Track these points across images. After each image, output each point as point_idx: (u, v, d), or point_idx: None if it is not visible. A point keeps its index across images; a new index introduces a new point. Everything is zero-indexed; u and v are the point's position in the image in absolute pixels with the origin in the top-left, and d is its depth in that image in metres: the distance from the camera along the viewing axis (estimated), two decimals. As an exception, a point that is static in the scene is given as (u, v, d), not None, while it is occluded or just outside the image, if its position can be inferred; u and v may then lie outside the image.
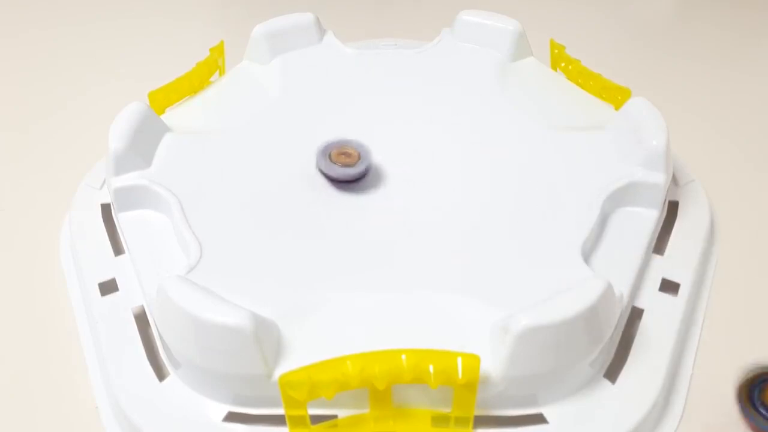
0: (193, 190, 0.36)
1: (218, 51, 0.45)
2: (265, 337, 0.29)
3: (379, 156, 0.38)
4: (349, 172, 0.37)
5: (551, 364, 0.29)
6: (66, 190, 0.41)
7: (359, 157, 0.37)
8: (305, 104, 0.42)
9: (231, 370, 0.29)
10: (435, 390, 0.28)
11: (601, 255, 0.34)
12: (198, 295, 0.29)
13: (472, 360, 0.28)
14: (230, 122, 0.40)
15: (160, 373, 0.32)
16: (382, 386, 0.28)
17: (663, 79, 0.53)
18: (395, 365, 0.28)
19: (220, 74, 0.45)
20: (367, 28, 0.58)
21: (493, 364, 0.29)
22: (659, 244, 0.37)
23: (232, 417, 0.30)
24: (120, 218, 0.36)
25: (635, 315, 0.34)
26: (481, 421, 0.30)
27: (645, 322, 0.34)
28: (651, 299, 0.35)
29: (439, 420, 0.29)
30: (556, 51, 0.45)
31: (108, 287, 0.35)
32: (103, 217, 0.39)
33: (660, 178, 0.36)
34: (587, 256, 0.34)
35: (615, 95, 0.41)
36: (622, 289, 0.33)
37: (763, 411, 0.31)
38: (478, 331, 0.30)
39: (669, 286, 0.35)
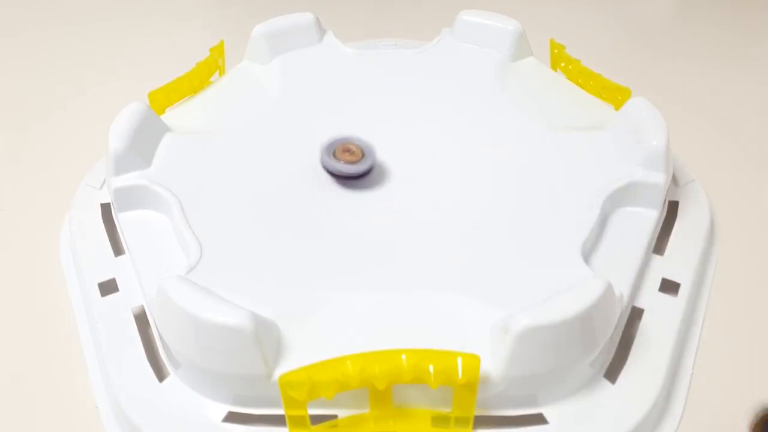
0: (193, 190, 0.36)
1: (218, 51, 0.45)
2: (265, 337, 0.29)
3: (379, 156, 0.38)
4: (353, 169, 0.37)
5: (551, 364, 0.29)
6: (66, 190, 0.41)
7: (363, 155, 0.37)
8: (305, 104, 0.42)
9: (231, 370, 0.29)
10: (435, 390, 0.28)
11: (601, 255, 0.34)
12: (198, 295, 0.29)
13: (472, 360, 0.28)
14: (230, 122, 0.40)
15: (160, 373, 0.32)
16: (382, 386, 0.28)
17: (663, 79, 0.53)
18: (395, 365, 0.28)
19: (220, 74, 0.45)
20: (367, 28, 0.58)
21: (493, 364, 0.29)
22: (659, 244, 0.37)
23: (232, 417, 0.30)
24: (120, 218, 0.36)
25: (635, 315, 0.34)
26: (481, 421, 0.30)
27: (645, 322, 0.34)
28: (651, 299, 0.35)
29: (439, 420, 0.29)
30: (556, 51, 0.45)
31: (108, 287, 0.35)
32: (103, 217, 0.39)
33: (660, 178, 0.36)
34: (587, 256, 0.34)
35: (615, 95, 0.41)
36: (622, 289, 0.33)
37: None
38: (478, 331, 0.30)
39: (669, 286, 0.35)
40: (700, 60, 0.55)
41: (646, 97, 0.39)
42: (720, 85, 0.53)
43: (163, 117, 0.40)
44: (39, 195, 0.43)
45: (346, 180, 0.37)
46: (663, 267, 0.36)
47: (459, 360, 0.28)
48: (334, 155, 0.37)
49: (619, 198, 0.36)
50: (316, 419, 0.29)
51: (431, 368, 0.28)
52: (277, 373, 0.29)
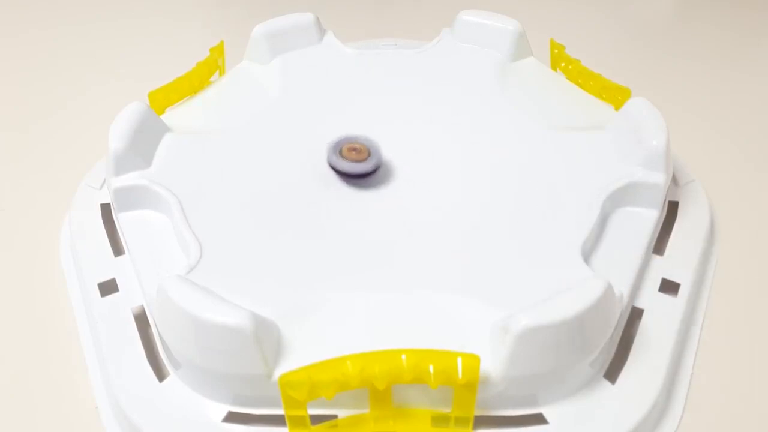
0: (193, 190, 0.36)
1: (218, 51, 0.45)
2: (265, 337, 0.29)
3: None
4: (360, 168, 0.37)
5: (551, 364, 0.29)
6: (66, 190, 0.41)
7: (369, 154, 0.37)
8: (305, 104, 0.42)
9: (231, 370, 0.29)
10: (435, 390, 0.28)
11: (601, 255, 0.34)
12: (198, 295, 0.29)
13: (472, 360, 0.28)
14: (230, 122, 0.40)
15: (160, 374, 0.32)
16: (382, 386, 0.28)
17: (663, 79, 0.53)
18: (395, 365, 0.28)
19: (220, 74, 0.45)
20: (367, 28, 0.58)
21: (493, 364, 0.29)
22: (659, 244, 0.37)
23: (232, 417, 0.30)
24: (120, 218, 0.36)
25: (635, 315, 0.34)
26: (481, 421, 0.30)
27: (645, 322, 0.34)
28: (651, 299, 0.35)
29: (439, 420, 0.29)
30: (556, 51, 0.45)
31: (108, 287, 0.35)
32: (103, 217, 0.39)
33: (660, 178, 0.36)
34: (587, 256, 0.34)
35: (615, 95, 0.41)
36: (622, 289, 0.33)
37: None
38: (478, 331, 0.30)
39: (669, 286, 0.35)
40: (700, 60, 0.55)
41: (646, 97, 0.39)
42: (720, 85, 0.53)
43: (163, 117, 0.40)
44: (39, 195, 0.43)
45: (351, 179, 0.37)
46: (663, 267, 0.36)
47: (459, 360, 0.28)
48: (341, 153, 0.37)
49: (619, 198, 0.36)
50: (316, 419, 0.29)
51: (431, 368, 0.28)
52: (277, 373, 0.29)
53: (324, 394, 0.28)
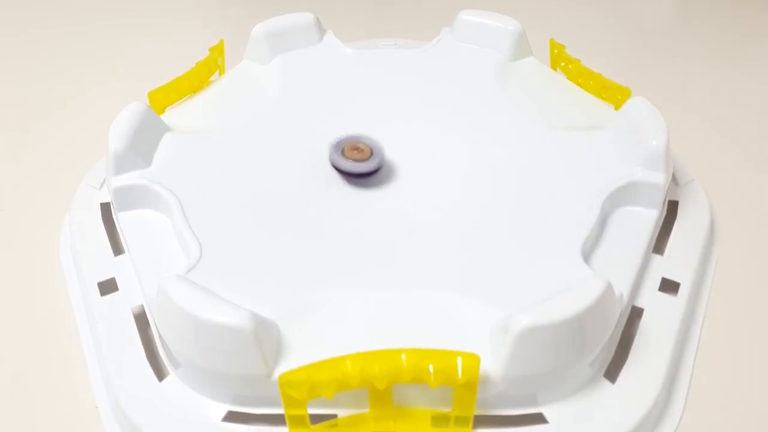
0: (193, 190, 0.36)
1: (218, 51, 0.45)
2: (265, 337, 0.29)
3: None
4: (362, 167, 0.37)
5: (551, 364, 0.29)
6: (66, 190, 0.41)
7: (372, 153, 0.37)
8: (305, 104, 0.42)
9: (231, 370, 0.29)
10: (435, 390, 0.28)
11: (601, 255, 0.34)
12: (198, 295, 0.29)
13: (472, 360, 0.28)
14: (230, 122, 0.40)
15: (160, 373, 0.32)
16: (382, 386, 0.28)
17: (663, 79, 0.53)
18: (395, 365, 0.28)
19: (220, 74, 0.45)
20: (367, 28, 0.58)
21: (493, 364, 0.29)
22: (659, 244, 0.37)
23: (231, 417, 0.30)
24: (120, 218, 0.36)
25: (635, 315, 0.34)
26: (481, 420, 0.30)
27: (645, 322, 0.34)
28: (651, 299, 0.35)
29: (439, 420, 0.29)
30: (556, 51, 0.45)
31: (108, 287, 0.35)
32: (103, 217, 0.39)
33: (660, 178, 0.36)
34: (587, 256, 0.34)
35: (615, 95, 0.41)
36: (622, 288, 0.33)
37: None
38: (478, 331, 0.30)
39: (669, 286, 0.35)
40: (700, 60, 0.55)
41: (646, 97, 0.39)
42: (720, 85, 0.53)
43: (163, 117, 0.40)
44: (39, 195, 0.43)
45: (352, 178, 0.37)
46: (663, 267, 0.36)
47: (459, 360, 0.28)
48: (343, 153, 0.37)
49: (619, 198, 0.36)
50: (316, 419, 0.29)
51: (431, 368, 0.28)
52: (277, 372, 0.29)
53: (324, 394, 0.28)
